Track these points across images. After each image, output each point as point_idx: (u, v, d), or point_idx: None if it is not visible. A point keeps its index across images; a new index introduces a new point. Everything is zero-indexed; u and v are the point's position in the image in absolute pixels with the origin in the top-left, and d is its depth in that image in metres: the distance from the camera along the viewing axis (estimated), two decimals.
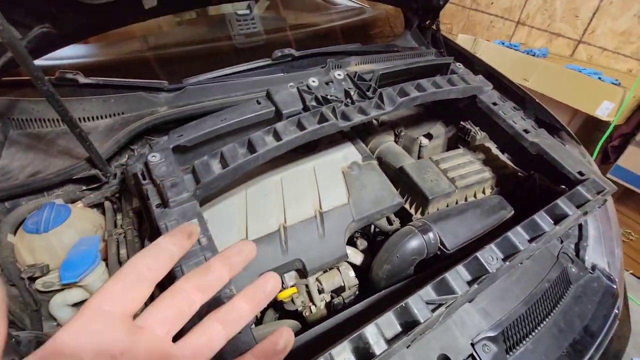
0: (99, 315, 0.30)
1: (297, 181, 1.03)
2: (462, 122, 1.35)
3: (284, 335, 0.37)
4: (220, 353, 0.35)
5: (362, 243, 1.14)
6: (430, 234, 0.90)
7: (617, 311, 0.93)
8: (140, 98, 1.19)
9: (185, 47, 2.19)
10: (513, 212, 1.00)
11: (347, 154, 1.13)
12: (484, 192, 1.15)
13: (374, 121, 1.35)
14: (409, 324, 0.56)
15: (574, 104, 2.16)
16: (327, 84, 0.97)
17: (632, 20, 2.29)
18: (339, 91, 0.94)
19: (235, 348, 0.47)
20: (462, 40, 2.77)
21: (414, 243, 0.89)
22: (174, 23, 2.42)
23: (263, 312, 1.01)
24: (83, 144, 0.91)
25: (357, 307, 0.78)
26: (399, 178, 1.14)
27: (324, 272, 0.98)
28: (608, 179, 2.11)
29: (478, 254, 0.66)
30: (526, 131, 1.01)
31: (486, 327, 0.78)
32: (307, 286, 0.93)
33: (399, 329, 0.57)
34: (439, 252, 0.91)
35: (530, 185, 1.15)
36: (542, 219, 0.75)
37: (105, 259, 0.92)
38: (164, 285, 0.36)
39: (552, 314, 0.85)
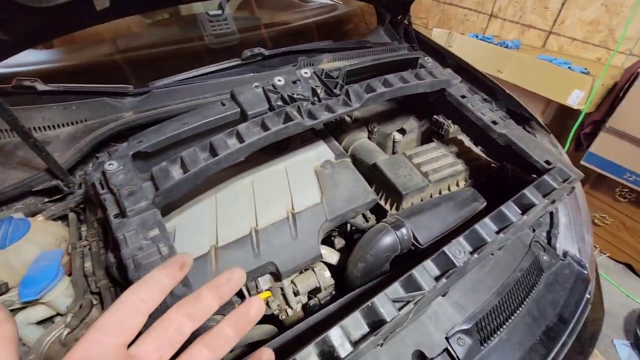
0: (96, 345, 0.33)
1: (269, 183, 1.01)
2: (435, 116, 1.35)
3: (265, 356, 0.41)
4: None
5: (339, 242, 1.12)
6: (403, 230, 0.90)
7: (588, 296, 0.95)
8: (103, 104, 1.15)
9: (156, 49, 2.13)
10: (485, 203, 1.00)
11: (320, 152, 1.11)
12: (457, 185, 1.15)
13: (347, 118, 1.34)
14: (376, 324, 0.56)
15: (546, 94, 2.20)
16: (294, 82, 0.95)
17: (599, 9, 2.34)
18: (306, 89, 0.92)
19: None
20: (437, 34, 2.79)
21: (387, 240, 0.88)
22: (144, 24, 2.36)
23: None
24: (39, 154, 0.87)
25: (331, 307, 0.77)
26: (373, 175, 1.13)
27: (300, 273, 0.96)
28: (581, 165, 2.18)
29: (445, 248, 0.66)
30: (494, 122, 1.02)
31: (460, 320, 0.78)
32: (282, 289, 0.91)
33: (366, 329, 0.56)
34: (412, 248, 0.90)
35: (503, 175, 1.16)
36: (509, 209, 0.75)
37: (70, 273, 0.88)
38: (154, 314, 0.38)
39: (525, 302, 0.86)
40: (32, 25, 0.90)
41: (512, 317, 0.83)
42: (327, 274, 0.94)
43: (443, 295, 0.81)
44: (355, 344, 0.53)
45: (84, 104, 1.14)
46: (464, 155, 1.20)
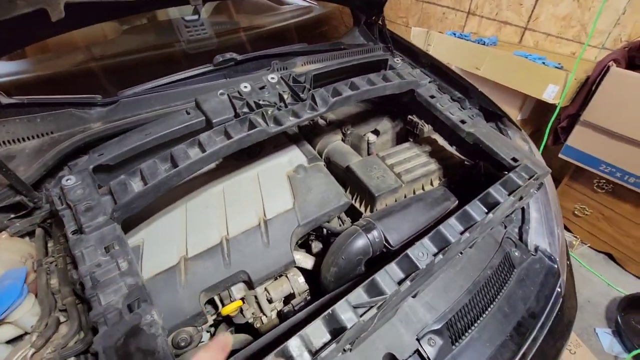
0: None
1: (240, 190, 1.00)
2: (409, 116, 1.36)
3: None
4: None
5: (317, 245, 1.12)
6: (375, 232, 0.90)
7: (559, 289, 0.96)
8: (70, 115, 1.13)
9: (130, 56, 2.10)
10: (457, 202, 1.01)
11: (293, 157, 1.11)
12: (432, 184, 1.16)
13: (321, 121, 1.34)
14: (337, 331, 0.55)
15: (522, 89, 2.23)
16: (261, 88, 0.94)
17: (571, 5, 2.39)
18: (273, 95, 0.92)
19: None
20: (416, 33, 2.81)
21: (359, 243, 0.88)
22: (119, 30, 2.32)
23: (216, 326, 0.98)
24: (2, 173, 0.85)
25: (301, 314, 0.77)
26: (347, 177, 1.13)
27: (275, 279, 0.96)
28: (560, 158, 2.21)
29: (408, 251, 0.66)
30: (463, 122, 1.03)
31: (431, 320, 0.79)
32: (256, 297, 0.91)
33: (328, 337, 0.56)
34: (384, 250, 0.91)
35: (476, 173, 1.17)
36: (474, 208, 0.76)
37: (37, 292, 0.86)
38: None
39: (496, 299, 0.87)
40: None
41: (483, 315, 0.83)
42: (301, 279, 0.94)
43: (413, 297, 0.81)
44: (315, 353, 0.52)
45: (50, 116, 1.11)
46: (438, 154, 1.21)
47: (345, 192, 1.15)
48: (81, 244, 0.62)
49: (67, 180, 0.69)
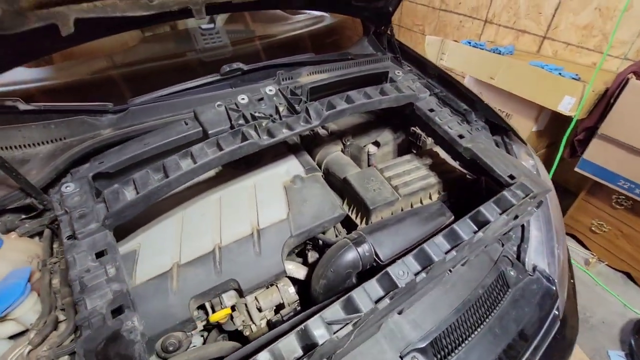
0: None
1: (236, 199, 1.02)
2: (412, 128, 1.35)
3: None
4: None
5: (313, 255, 1.13)
6: (365, 246, 0.90)
7: (557, 312, 0.93)
8: (82, 122, 1.19)
9: (148, 64, 2.19)
10: (453, 217, 1.00)
11: (290, 167, 1.13)
12: (430, 198, 1.15)
13: (322, 131, 1.35)
14: (309, 347, 0.56)
15: (537, 100, 2.17)
16: (260, 100, 0.97)
17: (593, 14, 2.31)
18: (269, 107, 0.94)
19: None
20: (430, 41, 2.79)
21: (348, 256, 0.88)
22: (139, 38, 2.41)
23: (209, 332, 1.00)
24: (9, 174, 0.90)
25: (285, 326, 0.77)
26: (344, 188, 1.13)
27: (268, 288, 0.97)
28: (576, 172, 2.13)
29: (389, 269, 0.66)
30: (461, 136, 1.02)
31: (416, 338, 0.78)
32: (246, 305, 0.92)
33: (300, 352, 0.56)
34: (375, 264, 0.90)
35: (478, 188, 1.15)
36: (462, 227, 0.75)
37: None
38: None
39: (487, 320, 0.85)
40: (8, 50, 0.94)
41: (472, 335, 0.82)
42: (292, 290, 0.95)
43: (399, 313, 0.80)
44: None
45: (63, 123, 1.18)
46: (439, 168, 1.19)
47: (343, 203, 1.15)
48: (74, 249, 0.66)
49: (66, 187, 0.73)
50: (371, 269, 0.93)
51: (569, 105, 2.00)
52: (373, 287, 0.65)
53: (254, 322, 0.93)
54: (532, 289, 0.93)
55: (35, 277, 0.93)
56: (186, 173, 0.75)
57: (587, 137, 2.08)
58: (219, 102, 0.91)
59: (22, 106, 1.16)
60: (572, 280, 1.14)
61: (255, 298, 0.93)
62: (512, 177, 0.92)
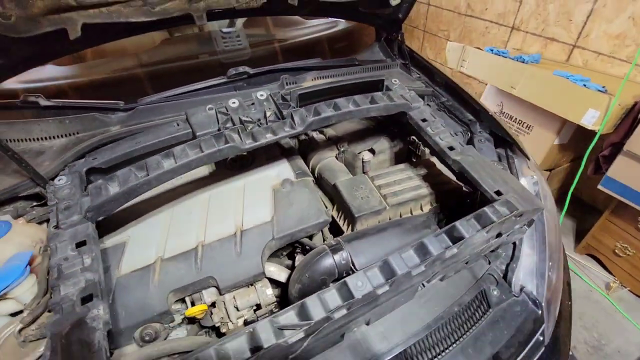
0: None
1: (225, 199, 1.06)
2: (412, 137, 1.33)
3: None
4: None
5: (300, 259, 1.14)
6: (343, 254, 0.90)
7: (541, 338, 0.88)
8: (93, 118, 1.27)
9: (169, 64, 2.29)
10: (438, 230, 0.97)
11: (281, 171, 1.15)
12: (422, 209, 1.13)
13: (320, 136, 1.36)
14: (255, 349, 0.57)
15: (559, 112, 2.06)
16: (252, 104, 0.99)
17: (626, 22, 2.16)
18: (259, 112, 0.96)
19: None
20: (451, 48, 2.72)
21: (324, 263, 0.89)
22: (165, 38, 2.52)
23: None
24: (19, 165, 0.98)
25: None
26: (333, 195, 1.14)
27: (249, 287, 0.99)
28: (599, 190, 2.00)
29: (347, 279, 0.66)
30: (451, 148, 0.99)
31: (382, 351, 0.77)
32: (224, 303, 0.95)
33: (248, 354, 0.58)
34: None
35: (472, 201, 1.12)
36: (432, 242, 0.73)
37: None
38: None
39: (461, 339, 0.82)
40: (20, 53, 1.03)
41: (443, 353, 0.80)
42: (269, 291, 0.97)
43: (367, 324, 0.80)
44: None
45: (77, 119, 1.26)
46: (433, 179, 1.17)
47: (333, 209, 1.16)
48: (56, 238, 0.71)
49: (59, 180, 0.79)
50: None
51: (593, 118, 1.89)
52: (330, 296, 0.65)
53: (231, 320, 0.95)
54: (515, 311, 0.89)
55: (37, 261, 1.00)
56: (166, 172, 0.78)
57: (613, 154, 1.94)
58: (210, 105, 0.95)
59: (43, 102, 1.26)
60: (568, 302, 1.08)
61: (234, 297, 0.95)
62: (498, 192, 0.88)
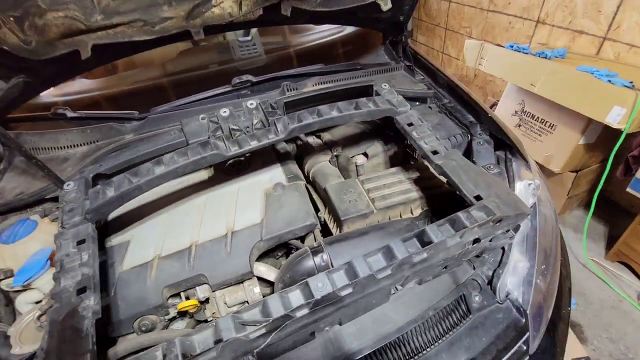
0: None
1: (219, 202, 1.13)
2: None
3: None
4: None
5: None
6: (323, 256, 0.93)
7: (524, 347, 0.86)
8: (110, 128, 1.39)
9: (189, 73, 2.43)
10: None
11: (274, 175, 1.20)
12: (412, 212, 1.13)
13: (317, 141, 1.40)
14: (217, 342, 0.63)
15: (581, 110, 1.94)
16: (240, 113, 1.05)
17: None
18: (247, 120, 1.02)
19: None
20: (469, 45, 2.64)
21: (305, 264, 0.93)
22: (187, 47, 2.66)
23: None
24: (42, 171, 1.11)
25: None
26: (325, 198, 1.17)
27: (239, 285, 1.05)
28: (628, 193, 1.86)
29: (309, 280, 0.69)
30: (435, 152, 0.99)
31: (352, 350, 0.80)
32: (215, 299, 1.02)
33: (211, 345, 0.63)
34: None
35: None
36: (398, 246, 0.75)
37: None
38: None
39: (436, 343, 0.83)
40: (46, 72, 1.16)
41: (416, 355, 0.81)
42: (257, 290, 1.02)
43: (340, 324, 0.83)
44: (190, 358, 0.61)
45: (97, 128, 1.40)
46: (426, 182, 1.17)
47: (325, 212, 1.19)
48: (61, 236, 0.81)
49: (67, 185, 0.90)
50: None
51: (618, 116, 1.77)
52: (293, 295, 0.69)
53: (221, 315, 1.02)
54: (497, 318, 0.87)
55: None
56: (155, 178, 0.86)
57: None
58: (202, 115, 1.02)
59: (69, 114, 1.41)
60: (568, 309, 1.04)
61: (224, 294, 1.02)
62: (478, 197, 0.88)
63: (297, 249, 1.15)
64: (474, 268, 0.96)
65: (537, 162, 2.45)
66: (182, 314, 1.04)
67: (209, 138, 0.99)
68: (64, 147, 1.38)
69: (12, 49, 0.97)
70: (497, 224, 0.85)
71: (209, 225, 1.06)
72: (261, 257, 1.11)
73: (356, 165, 1.28)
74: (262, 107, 1.04)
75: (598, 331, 1.92)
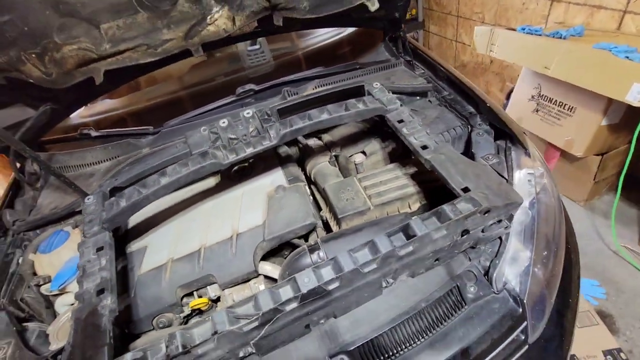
0: None
1: (225, 207, 1.20)
2: None
3: None
4: None
5: None
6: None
7: (522, 335, 0.86)
8: (128, 144, 1.52)
9: (203, 85, 2.56)
10: None
11: (275, 178, 1.26)
12: (410, 207, 1.15)
13: (318, 142, 1.44)
14: (214, 334, 0.69)
15: (600, 90, 1.84)
16: (239, 122, 1.12)
17: None
18: (244, 129, 1.09)
19: None
20: (479, 32, 2.57)
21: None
22: (201, 59, 2.77)
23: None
24: (70, 187, 1.24)
25: None
26: (324, 198, 1.22)
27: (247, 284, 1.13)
28: None
29: (296, 275, 0.74)
30: (424, 147, 1.01)
31: (346, 342, 0.84)
32: (224, 297, 1.09)
33: (209, 336, 0.70)
34: None
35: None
36: (381, 241, 0.78)
37: None
38: None
39: (430, 333, 0.85)
40: (68, 98, 1.30)
41: (409, 346, 0.83)
42: (262, 287, 1.08)
43: (335, 317, 0.87)
44: (189, 348, 0.67)
45: (117, 145, 1.53)
46: (422, 177, 1.18)
47: (326, 211, 1.24)
48: (83, 245, 0.91)
49: (87, 199, 1.00)
50: None
51: (639, 94, 1.67)
52: (283, 290, 0.74)
53: None
54: (493, 308, 0.88)
55: None
56: (161, 188, 0.95)
57: None
58: (204, 127, 1.10)
59: (94, 133, 1.55)
60: (576, 297, 1.02)
61: (232, 292, 1.09)
62: (466, 189, 0.89)
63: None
64: (470, 260, 0.97)
65: (558, 147, 2.36)
66: (200, 312, 1.13)
67: (209, 148, 1.07)
68: (90, 163, 1.52)
69: (36, 81, 1.10)
70: (486, 214, 0.86)
71: (216, 229, 1.14)
72: (268, 257, 1.17)
73: (355, 164, 1.31)
74: (257, 115, 1.11)
75: (631, 321, 1.82)
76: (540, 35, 2.27)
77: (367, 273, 0.78)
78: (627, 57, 1.73)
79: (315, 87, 1.59)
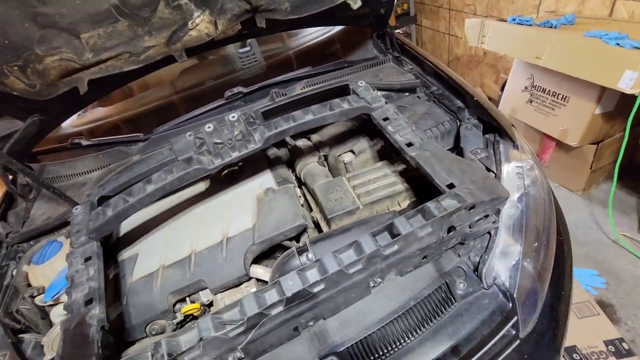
0: None
1: (215, 211, 1.20)
2: None
3: None
4: None
5: None
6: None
7: (512, 330, 0.86)
8: (119, 151, 1.52)
9: (196, 88, 2.55)
10: None
11: (264, 181, 1.26)
12: (399, 205, 1.15)
13: (307, 143, 1.44)
14: (200, 340, 0.69)
15: (592, 78, 1.83)
16: (224, 126, 1.12)
17: None
18: (229, 133, 1.09)
19: None
20: (470, 25, 2.56)
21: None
22: (193, 63, 2.77)
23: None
24: (60, 197, 1.25)
25: None
26: (314, 198, 1.21)
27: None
28: None
29: (280, 279, 0.74)
30: (409, 144, 1.00)
31: (336, 343, 0.83)
32: (217, 302, 1.09)
33: (195, 342, 0.70)
34: None
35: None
36: (365, 241, 0.77)
37: None
38: None
39: (418, 332, 0.84)
40: (55, 109, 1.30)
41: (399, 344, 0.83)
42: (253, 291, 1.08)
43: (324, 319, 0.87)
44: (175, 356, 0.68)
45: (107, 153, 1.53)
46: (411, 174, 1.17)
47: (316, 212, 1.23)
48: (72, 255, 0.91)
49: (75, 209, 1.00)
50: None
51: (631, 81, 1.66)
52: (268, 294, 0.74)
53: None
54: (482, 304, 0.87)
55: None
56: (147, 196, 0.95)
57: None
58: (189, 132, 1.10)
59: (84, 142, 1.55)
60: (569, 289, 1.01)
61: (224, 297, 1.09)
62: (451, 186, 0.88)
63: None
64: (459, 256, 0.96)
65: (553, 138, 2.34)
66: (194, 317, 1.13)
67: (193, 154, 1.06)
68: (82, 173, 1.52)
69: (21, 93, 1.10)
70: (471, 210, 0.85)
71: (206, 234, 1.14)
72: (261, 259, 1.17)
73: (344, 163, 1.31)
74: (242, 118, 1.10)
75: (632, 310, 1.81)
76: (531, 25, 2.26)
77: (353, 274, 0.77)
78: (618, 44, 1.71)
79: (304, 87, 1.59)
